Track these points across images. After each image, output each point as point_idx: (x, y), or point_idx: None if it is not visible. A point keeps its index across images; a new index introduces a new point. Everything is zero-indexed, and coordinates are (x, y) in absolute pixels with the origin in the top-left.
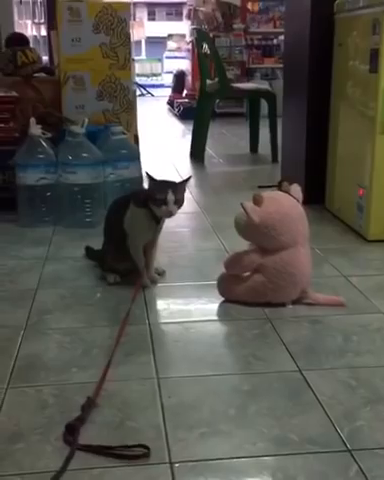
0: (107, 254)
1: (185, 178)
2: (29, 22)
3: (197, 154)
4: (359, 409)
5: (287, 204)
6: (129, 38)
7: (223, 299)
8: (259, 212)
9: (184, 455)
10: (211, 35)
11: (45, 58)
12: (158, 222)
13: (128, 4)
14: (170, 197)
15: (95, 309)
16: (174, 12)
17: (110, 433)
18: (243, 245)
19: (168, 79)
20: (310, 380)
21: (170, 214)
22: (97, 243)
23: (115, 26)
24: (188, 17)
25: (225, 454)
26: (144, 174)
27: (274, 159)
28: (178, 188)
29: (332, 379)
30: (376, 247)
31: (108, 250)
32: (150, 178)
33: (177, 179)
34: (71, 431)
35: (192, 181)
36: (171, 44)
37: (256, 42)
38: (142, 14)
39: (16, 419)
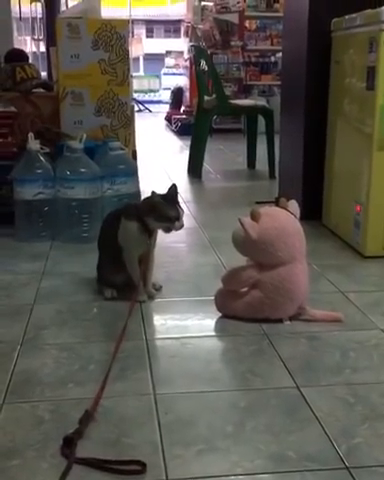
0: (103, 268)
1: (173, 187)
2: (28, 38)
3: (195, 170)
4: (357, 426)
5: (285, 220)
6: (128, 55)
7: (220, 315)
8: (257, 228)
9: (181, 472)
10: (209, 52)
11: (44, 74)
12: (150, 235)
13: (127, 21)
14: (181, 212)
15: (92, 324)
16: (172, 29)
17: (106, 449)
18: (241, 261)
19: (166, 95)
20: (308, 397)
21: (182, 226)
22: (94, 258)
23: (114, 43)
24: (186, 34)
25: (222, 471)
26: (150, 192)
27: (271, 175)
28: (178, 200)
29: (330, 396)
30: (373, 263)
31: (104, 264)
32: (159, 197)
33: (164, 190)
34: (69, 444)
35: (189, 196)
36: (169, 61)
37: (253, 59)
38: (141, 31)
39: (12, 435)
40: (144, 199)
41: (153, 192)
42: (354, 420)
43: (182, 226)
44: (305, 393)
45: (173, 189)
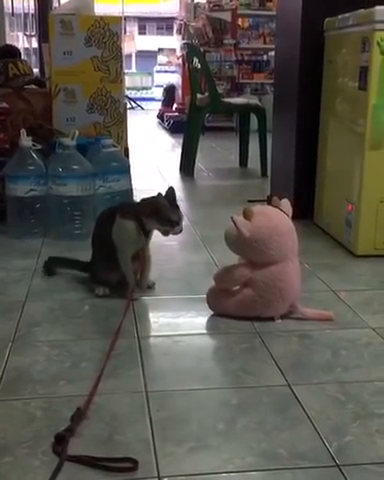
0: (96, 266)
1: (171, 190)
2: (21, 34)
3: (187, 168)
4: (348, 424)
5: (277, 218)
6: (121, 51)
7: (212, 313)
8: (249, 226)
9: (172, 469)
10: (201, 50)
11: (36, 70)
12: (147, 235)
13: (120, 18)
14: (181, 216)
15: (84, 322)
16: (165, 27)
17: (98, 447)
18: (233, 259)
19: (158, 93)
20: (299, 395)
21: (181, 231)
22: (86, 255)
23: (107, 39)
24: (179, 32)
25: (214, 469)
26: (156, 193)
27: (263, 173)
28: (178, 204)
29: (321, 394)
30: (364, 262)
31: (97, 262)
32: (165, 199)
33: (159, 190)
34: (60, 441)
35: (182, 195)
36: (161, 58)
37: (246, 57)
38: (133, 28)
39: (3, 432)
40: (146, 199)
41: (159, 193)
42: (345, 418)
43: (181, 231)
44: (296, 391)
45: (172, 192)
